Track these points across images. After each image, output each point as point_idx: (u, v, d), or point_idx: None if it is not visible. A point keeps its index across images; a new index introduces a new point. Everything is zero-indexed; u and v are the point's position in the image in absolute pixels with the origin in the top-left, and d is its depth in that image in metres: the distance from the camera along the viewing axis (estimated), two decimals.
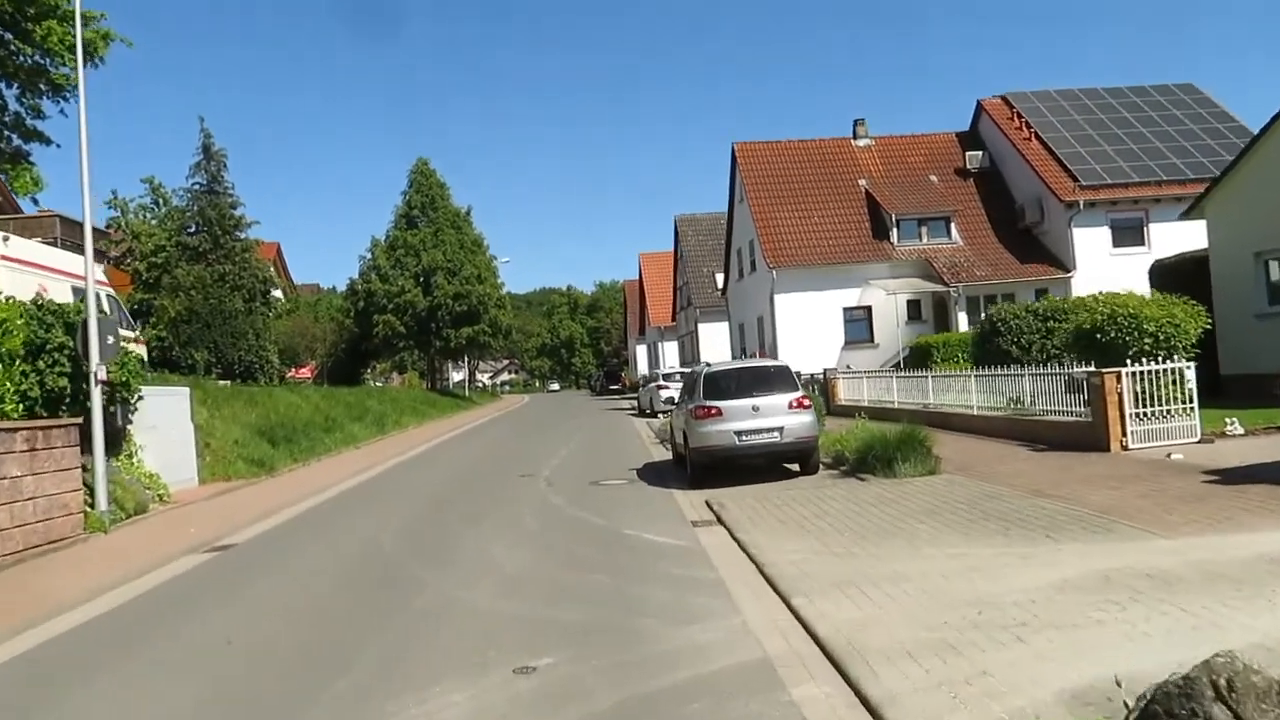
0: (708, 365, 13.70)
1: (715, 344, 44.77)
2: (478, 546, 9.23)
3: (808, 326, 30.13)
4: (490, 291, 45.57)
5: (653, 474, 14.59)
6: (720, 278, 46.26)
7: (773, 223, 32.15)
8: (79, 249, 37.18)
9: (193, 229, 35.66)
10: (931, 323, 30.76)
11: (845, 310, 30.90)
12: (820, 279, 30.70)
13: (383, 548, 9.53)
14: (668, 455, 17.67)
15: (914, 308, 30.81)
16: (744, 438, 12.38)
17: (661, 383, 30.23)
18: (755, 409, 12.43)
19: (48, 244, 37.79)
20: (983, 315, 29.17)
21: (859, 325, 31.03)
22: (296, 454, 18.63)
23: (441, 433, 27.64)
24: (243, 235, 36.79)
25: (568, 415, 35.81)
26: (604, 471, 15.22)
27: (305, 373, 45.93)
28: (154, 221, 36.61)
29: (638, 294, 70.27)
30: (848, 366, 26.87)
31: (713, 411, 12.48)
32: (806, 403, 12.70)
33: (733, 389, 12.83)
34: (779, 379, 12.89)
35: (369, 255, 45.30)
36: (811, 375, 24.28)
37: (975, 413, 16.04)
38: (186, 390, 15.17)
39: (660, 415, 27.02)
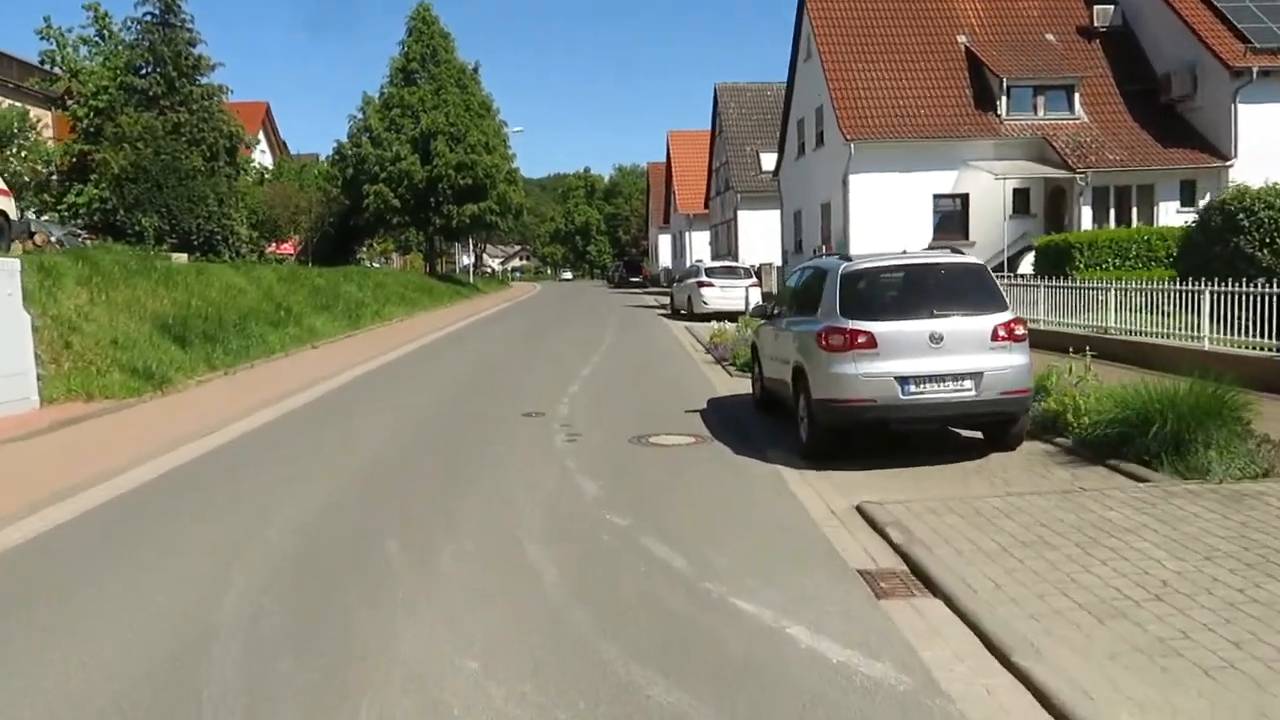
0: (842, 258, 8.35)
1: (758, 234, 39.17)
2: (396, 652, 4.20)
3: (886, 216, 24.54)
4: (499, 163, 39.75)
5: (729, 424, 9.50)
6: (768, 158, 40.26)
7: (850, 85, 26.14)
8: (15, 89, 31.36)
9: (143, 69, 29.76)
10: (1041, 218, 25.11)
11: (935, 198, 25.24)
12: (905, 157, 24.94)
13: (210, 639, 4.53)
14: (730, 381, 12.53)
15: (1020, 199, 25.11)
16: (914, 388, 7.17)
17: (705, 278, 24.76)
18: (935, 340, 7.19)
19: None
20: (1133, 209, 23.76)
21: (951, 217, 25.41)
22: (218, 358, 13.57)
23: (431, 329, 22.55)
24: (203, 80, 30.94)
25: (587, 311, 30.64)
26: (651, 413, 10.15)
27: (287, 248, 40.68)
28: (98, 59, 30.71)
29: (664, 177, 64.02)
30: None
31: (860, 340, 7.24)
32: (1020, 333, 7.43)
33: (894, 303, 7.58)
34: (973, 289, 7.60)
35: (360, 115, 39.31)
36: None
37: (1207, 347, 10.77)
38: (14, 263, 9.93)
39: (706, 321, 21.78)
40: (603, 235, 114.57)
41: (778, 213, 35.49)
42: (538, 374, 13.82)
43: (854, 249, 24.70)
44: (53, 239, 26.56)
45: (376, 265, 59.41)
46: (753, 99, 43.36)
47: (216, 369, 13.19)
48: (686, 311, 25.28)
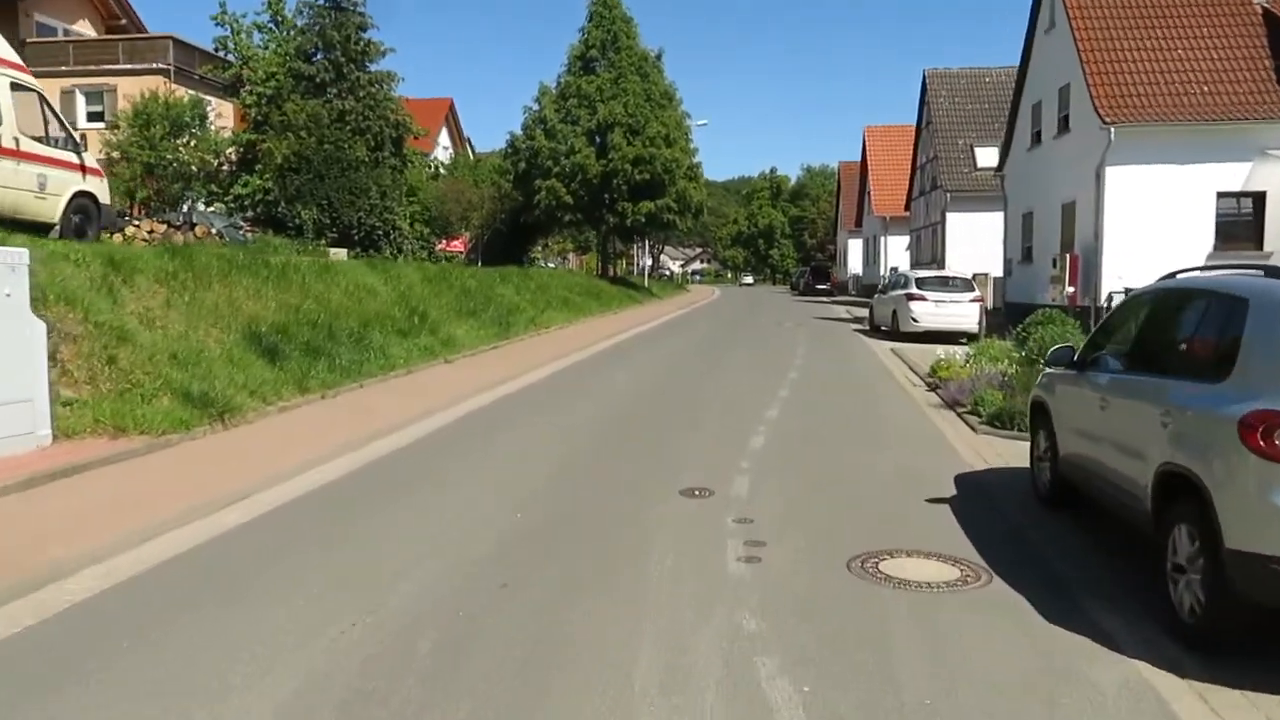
0: (1271, 273, 4.54)
1: (968, 239, 34.35)
2: None
3: (1151, 217, 19.70)
4: (679, 158, 36.74)
5: (1008, 536, 5.90)
6: (984, 153, 35.31)
7: (1109, 56, 21.34)
8: (199, 80, 31.09)
9: (313, 54, 28.63)
10: None
11: (1219, 196, 20.09)
12: (1179, 145, 19.95)
13: None
14: (977, 441, 8.80)
15: None
16: None
17: (915, 290, 20.64)
18: None
19: (161, 71, 32.22)
20: None
21: (1240, 220, 20.18)
22: (317, 376, 11.04)
23: (588, 341, 19.70)
24: (373, 67, 29.57)
25: (770, 323, 27.09)
26: (874, 499, 6.71)
27: (457, 246, 39.32)
28: (271, 46, 29.93)
29: (857, 177, 59.39)
30: None
31: None
32: None
33: None
34: None
35: (536, 106, 37.31)
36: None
37: None
38: (19, 254, 7.55)
39: (917, 342, 17.85)
40: (787, 239, 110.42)
41: (996, 215, 30.67)
42: (708, 415, 10.54)
43: (1107, 258, 20.02)
44: (213, 230, 25.59)
45: (551, 265, 58.07)
46: (967, 86, 38.38)
47: (311, 391, 10.66)
48: (889, 329, 21.30)
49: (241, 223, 27.44)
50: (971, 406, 10.36)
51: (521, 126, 37.18)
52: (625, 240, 45.59)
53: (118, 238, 26.20)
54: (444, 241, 39.51)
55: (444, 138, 61.55)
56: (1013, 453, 8.30)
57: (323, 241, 26.57)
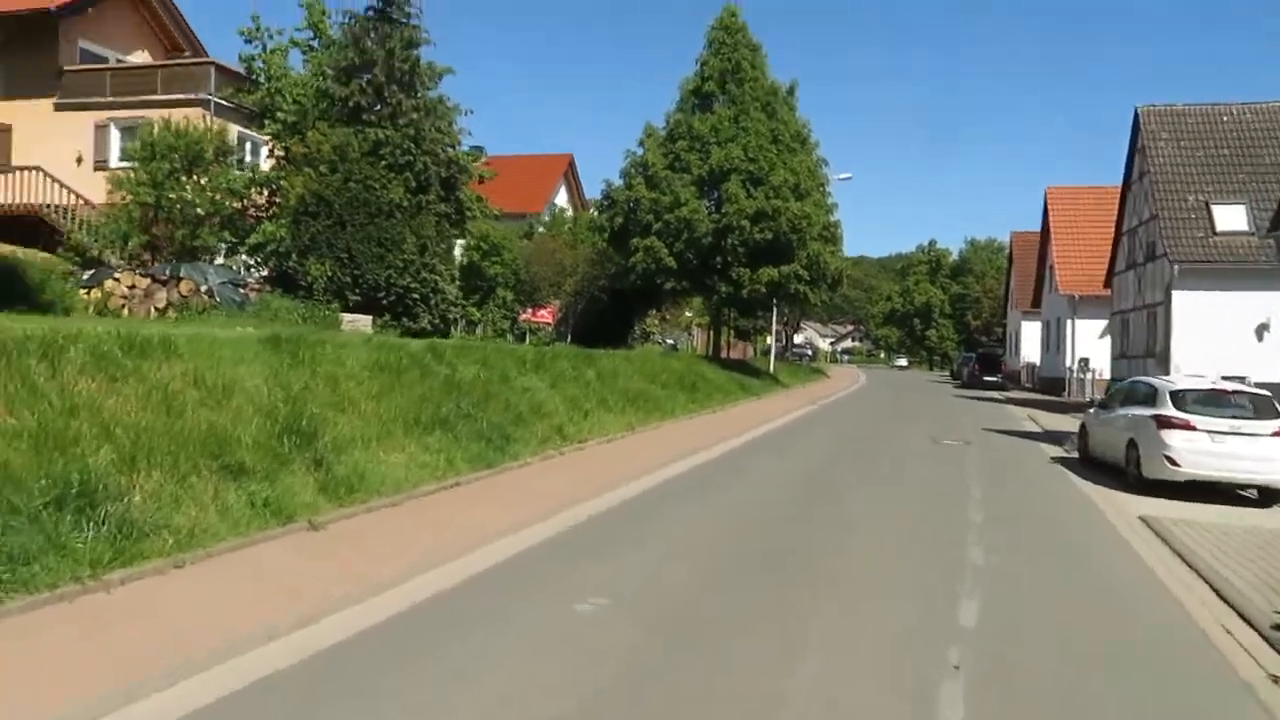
0: None
1: (1204, 327, 25.63)
2: None
3: None
4: (812, 214, 29.78)
5: None
6: (1226, 213, 26.71)
7: None
8: (243, 111, 26.11)
9: (353, 72, 23.30)
10: None
11: None
12: None
13: None
14: None
15: None
16: None
17: (1175, 412, 12.10)
18: None
19: (198, 102, 27.93)
20: None
21: None
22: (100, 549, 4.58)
23: (636, 467, 12.74)
24: (422, 93, 24.11)
25: (922, 436, 19.37)
26: None
27: (545, 316, 33.48)
28: (306, 67, 25.03)
29: (1035, 249, 50.69)
30: None
31: None
32: None
33: None
34: None
35: (639, 151, 31.26)
36: None
37: None
38: None
39: (1181, 498, 10.08)
40: (946, 319, 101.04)
41: (1248, 294, 22.12)
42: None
43: None
44: (203, 288, 20.34)
45: (669, 342, 51.82)
46: (1198, 126, 29.83)
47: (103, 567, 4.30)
48: (1126, 471, 13.19)
49: (245, 279, 22.29)
50: None
51: (620, 174, 31.17)
52: (745, 313, 38.65)
53: (94, 293, 21.33)
54: (530, 311, 33.85)
55: (562, 196, 57.00)
56: None
57: (335, 305, 20.99)
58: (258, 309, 20.35)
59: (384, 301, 21.84)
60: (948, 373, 71.83)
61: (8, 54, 29.42)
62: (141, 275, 20.77)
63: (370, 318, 21.49)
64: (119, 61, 30.03)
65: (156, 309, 20.28)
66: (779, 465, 14.54)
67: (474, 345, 15.62)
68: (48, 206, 25.99)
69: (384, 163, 22.08)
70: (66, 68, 28.93)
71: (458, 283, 27.15)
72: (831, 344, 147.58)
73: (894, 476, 13.74)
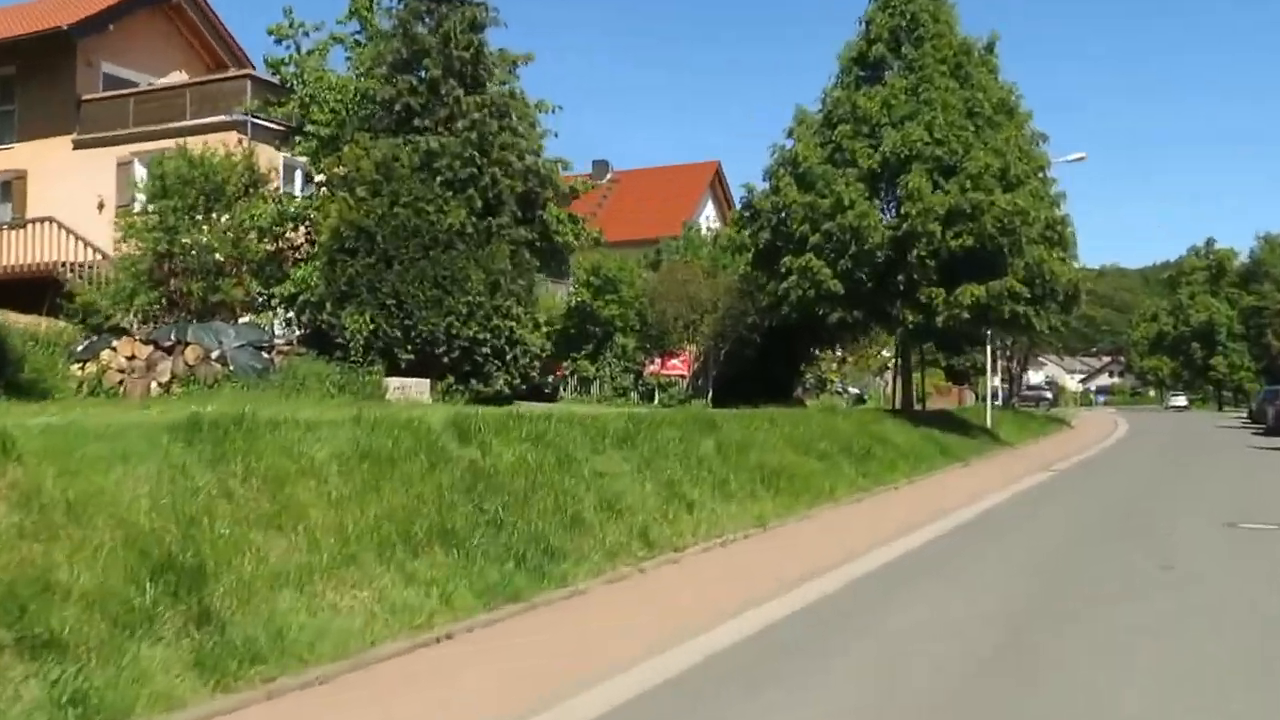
0: None
1: None
2: None
3: None
4: (1030, 208, 26.67)
5: None
6: None
7: None
8: (279, 130, 25.11)
9: (396, 64, 22.05)
10: None
11: None
12: None
13: None
14: None
15: None
16: None
17: None
18: None
19: (233, 125, 27.69)
20: None
21: None
22: None
23: (757, 593, 10.16)
24: (492, 87, 22.79)
25: (1215, 525, 15.77)
26: None
27: (677, 367, 31.81)
28: (348, 67, 24.17)
29: None
30: None
31: None
32: None
33: None
34: None
35: (786, 144, 29.10)
36: None
37: None
38: None
39: None
40: (1237, 341, 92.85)
41: None
42: None
43: None
44: (213, 355, 19.84)
45: (852, 392, 48.96)
46: None
47: None
48: None
49: (270, 339, 21.42)
50: None
51: (764, 175, 29.04)
52: (945, 348, 35.48)
53: (90, 367, 21.14)
54: (659, 360, 32.16)
55: (708, 211, 55.49)
56: None
57: (380, 366, 19.80)
58: (282, 377, 19.31)
59: (445, 359, 20.43)
60: (1245, 414, 65.19)
61: (24, 88, 30.22)
62: (143, 343, 20.18)
63: (427, 381, 20.35)
64: (150, 85, 30.40)
65: (159, 384, 19.66)
66: (978, 578, 11.65)
67: (527, 417, 13.54)
68: (62, 265, 26.14)
69: (440, 178, 20.80)
70: (85, 97, 29.41)
71: (547, 329, 25.56)
72: (1082, 382, 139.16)
73: (1163, 588, 10.65)
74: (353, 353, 19.87)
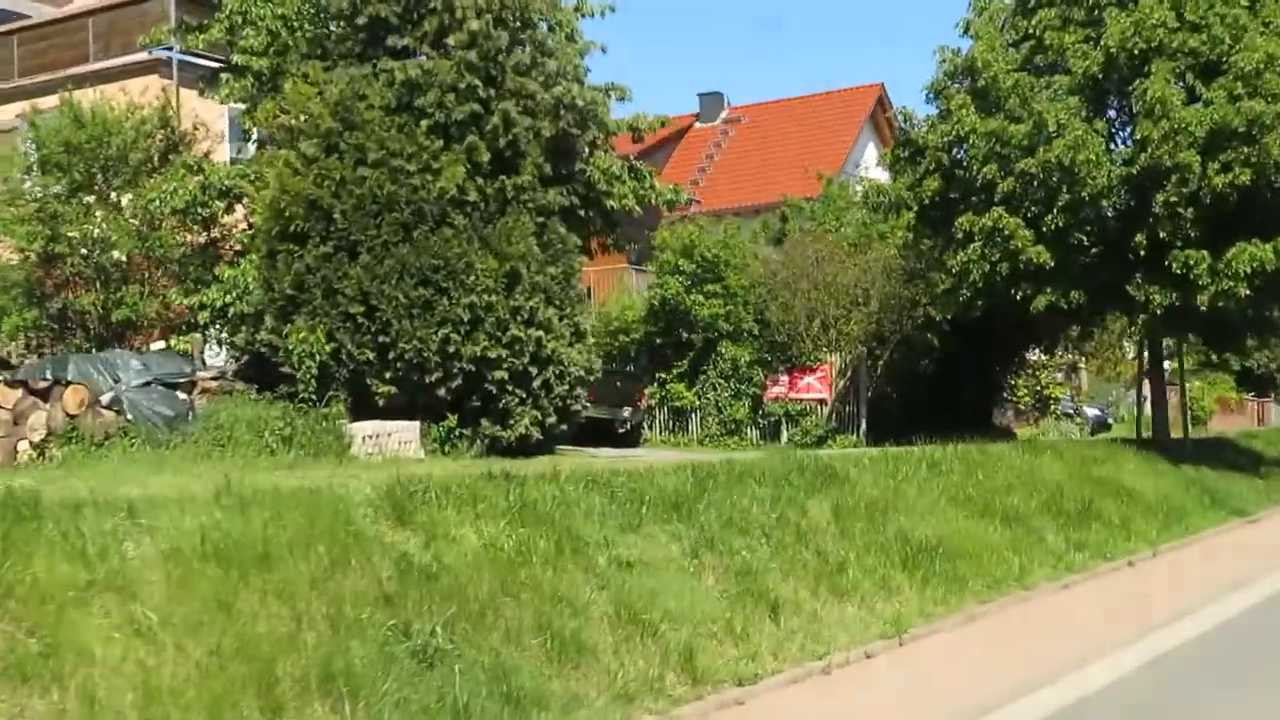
0: None
1: None
2: None
3: None
4: None
5: None
6: None
7: None
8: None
9: None
10: None
11: None
12: None
13: None
14: None
15: None
16: None
17: None
18: None
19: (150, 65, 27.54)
20: None
21: None
22: None
23: None
24: None
25: None
26: None
27: (813, 387, 31.12)
28: None
29: None
30: None
31: None
32: None
33: None
34: None
35: (963, 45, 28.15)
36: None
37: None
38: None
39: None
40: None
41: None
42: None
43: None
44: (102, 399, 19.44)
45: (1093, 414, 47.19)
46: None
47: None
48: None
49: (194, 372, 21.02)
50: None
51: (926, 95, 28.15)
52: (1219, 341, 33.45)
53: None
54: (788, 379, 31.24)
55: (869, 153, 54.16)
56: None
57: (342, 405, 19.40)
58: (202, 426, 18.70)
59: (441, 391, 19.60)
60: None
61: None
62: (7, 385, 19.86)
63: (415, 425, 19.86)
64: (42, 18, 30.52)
65: (31, 444, 19.27)
66: None
67: (519, 480, 12.43)
68: None
69: (426, 122, 20.22)
70: None
71: (623, 338, 24.76)
72: None
73: None
74: (304, 386, 19.12)
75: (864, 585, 13.97)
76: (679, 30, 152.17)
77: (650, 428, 31.61)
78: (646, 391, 30.73)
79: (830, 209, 36.21)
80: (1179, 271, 25.64)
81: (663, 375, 31.43)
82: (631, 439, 28.91)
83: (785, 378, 31.51)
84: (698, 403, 31.27)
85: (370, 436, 18.83)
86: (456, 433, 19.79)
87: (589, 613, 10.90)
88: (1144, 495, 22.52)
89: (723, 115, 55.56)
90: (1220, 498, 25.45)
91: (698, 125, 55.78)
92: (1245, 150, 24.79)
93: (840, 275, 30.61)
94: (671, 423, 31.71)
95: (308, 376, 19.11)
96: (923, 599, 14.41)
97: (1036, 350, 38.53)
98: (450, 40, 20.62)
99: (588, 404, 27.50)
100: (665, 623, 11.31)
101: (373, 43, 21.08)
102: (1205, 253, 25.45)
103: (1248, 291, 25.52)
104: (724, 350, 31.03)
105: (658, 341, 31.50)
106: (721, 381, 31.10)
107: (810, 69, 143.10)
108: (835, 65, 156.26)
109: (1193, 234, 25.71)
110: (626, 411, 28.85)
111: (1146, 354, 32.95)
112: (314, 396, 19.02)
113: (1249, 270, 25.03)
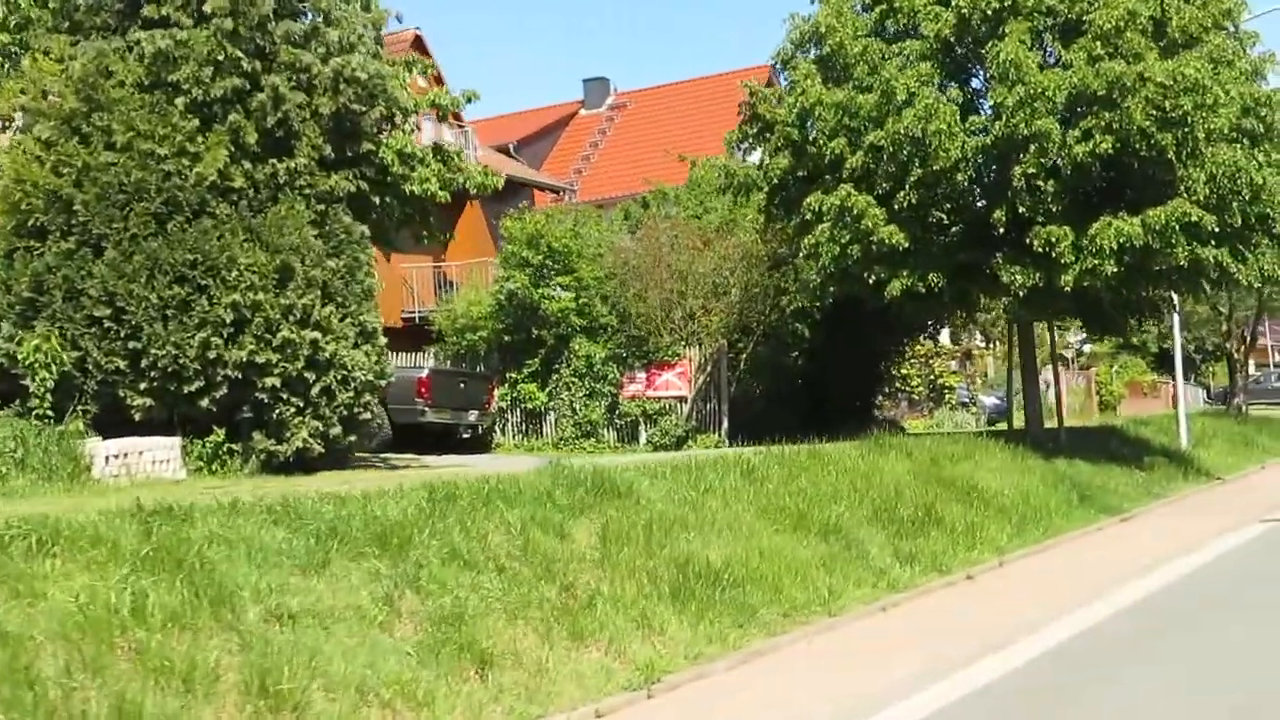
0: None
1: None
2: None
3: None
4: (1211, 85, 23.92)
5: None
6: None
7: None
8: None
9: None
10: None
11: None
12: None
13: None
14: None
15: None
16: None
17: None
18: None
19: None
20: None
21: None
22: None
23: None
24: None
25: None
26: None
27: (672, 384, 29.74)
28: None
29: None
30: None
31: None
32: None
33: None
34: None
35: (810, 9, 27.17)
36: None
37: None
38: None
39: None
40: None
41: None
42: None
43: None
44: None
45: (988, 402, 45.90)
46: None
47: None
48: None
49: None
50: None
51: (774, 65, 26.80)
52: (1090, 325, 32.14)
53: None
54: (645, 376, 29.65)
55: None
56: None
57: (80, 421, 17.64)
58: None
59: (203, 403, 17.76)
60: None
61: None
62: None
63: (176, 441, 18.28)
64: None
65: None
66: None
67: (167, 514, 10.39)
68: None
69: (184, 99, 18.84)
70: None
71: (471, 336, 22.89)
72: None
73: None
74: (39, 401, 17.24)
75: (615, 624, 12.01)
76: (564, 14, 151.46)
77: (502, 432, 30.24)
78: (497, 393, 29.35)
79: (694, 194, 34.63)
80: (1041, 249, 24.33)
81: (514, 375, 30.43)
82: (479, 444, 27.41)
83: (642, 375, 30.37)
84: (551, 404, 30.26)
85: (115, 456, 17.20)
86: (225, 449, 18.34)
87: (213, 686, 8.86)
88: (1000, 496, 21.13)
89: (608, 101, 54.16)
90: (1091, 494, 24.37)
91: (583, 112, 54.55)
92: (1106, 116, 23.48)
93: (697, 263, 29.51)
94: (525, 426, 30.33)
95: (42, 389, 17.45)
96: (694, 636, 12.47)
97: (922, 337, 37.21)
98: (207, 7, 18.64)
99: (426, 408, 25.87)
100: (321, 692, 9.30)
101: (127, 13, 19.61)
102: (1068, 229, 24.13)
103: (1116, 269, 24.15)
104: (577, 347, 29.97)
105: (506, 339, 30.50)
106: (575, 381, 30.10)
107: (703, 51, 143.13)
108: (730, 49, 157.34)
109: (1055, 209, 24.43)
110: (472, 415, 27.70)
111: (1011, 337, 31.98)
112: (50, 412, 17.33)
113: (1115, 247, 23.68)
